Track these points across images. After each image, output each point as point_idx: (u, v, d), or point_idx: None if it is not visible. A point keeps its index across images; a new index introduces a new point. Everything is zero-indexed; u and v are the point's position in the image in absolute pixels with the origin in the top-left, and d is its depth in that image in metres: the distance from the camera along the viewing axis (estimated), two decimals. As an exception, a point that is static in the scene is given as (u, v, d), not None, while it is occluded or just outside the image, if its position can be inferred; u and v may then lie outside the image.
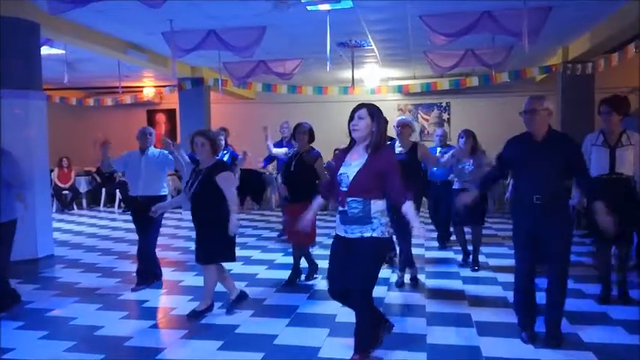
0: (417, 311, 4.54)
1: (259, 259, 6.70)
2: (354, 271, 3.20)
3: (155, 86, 13.61)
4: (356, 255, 3.20)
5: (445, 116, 13.72)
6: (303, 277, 5.57)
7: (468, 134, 6.00)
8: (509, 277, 5.23)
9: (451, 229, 6.94)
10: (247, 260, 6.52)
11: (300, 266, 5.57)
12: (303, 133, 5.36)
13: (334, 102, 12.40)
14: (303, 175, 5.25)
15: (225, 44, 7.75)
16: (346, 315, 4.40)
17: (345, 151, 3.35)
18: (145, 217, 5.10)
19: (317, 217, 5.91)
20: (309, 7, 6.85)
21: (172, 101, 13.79)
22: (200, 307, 4.48)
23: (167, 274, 5.96)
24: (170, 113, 14.88)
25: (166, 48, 8.11)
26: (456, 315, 4.42)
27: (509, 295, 4.81)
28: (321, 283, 5.46)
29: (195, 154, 4.48)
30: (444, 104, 13.72)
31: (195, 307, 4.50)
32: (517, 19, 6.66)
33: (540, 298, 3.89)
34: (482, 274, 5.77)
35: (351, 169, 3.21)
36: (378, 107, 3.30)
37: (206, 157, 4.40)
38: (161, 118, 15.26)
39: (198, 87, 11.20)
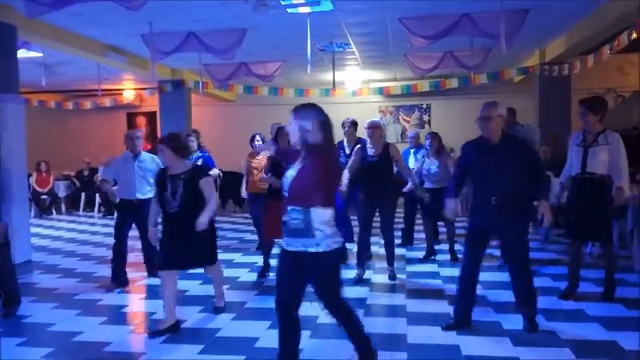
0: (397, 311, 4.57)
1: (241, 262, 6.69)
2: (319, 290, 3.06)
3: (135, 89, 13.49)
4: (310, 273, 3.00)
5: (426, 117, 13.84)
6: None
7: (433, 136, 6.52)
8: (489, 276, 5.35)
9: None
10: (229, 263, 6.49)
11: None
12: (286, 135, 5.45)
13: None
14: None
15: (206, 46, 7.72)
16: (328, 316, 4.44)
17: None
18: (142, 218, 5.36)
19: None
20: (289, 10, 6.86)
21: (153, 104, 13.69)
22: (219, 302, 4.69)
23: (147, 279, 5.93)
24: (151, 116, 14.77)
25: (146, 50, 8.05)
26: (435, 314, 4.46)
27: (490, 294, 4.92)
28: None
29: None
30: (424, 106, 13.83)
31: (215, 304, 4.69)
32: (495, 21, 6.75)
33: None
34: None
35: (290, 173, 3.01)
36: (305, 106, 3.03)
37: (171, 162, 4.23)
38: (141, 120, 15.13)
39: (178, 89, 11.12)
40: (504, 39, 6.65)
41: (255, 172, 6.80)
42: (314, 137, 2.92)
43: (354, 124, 6.35)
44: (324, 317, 4.36)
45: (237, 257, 6.93)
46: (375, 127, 5.38)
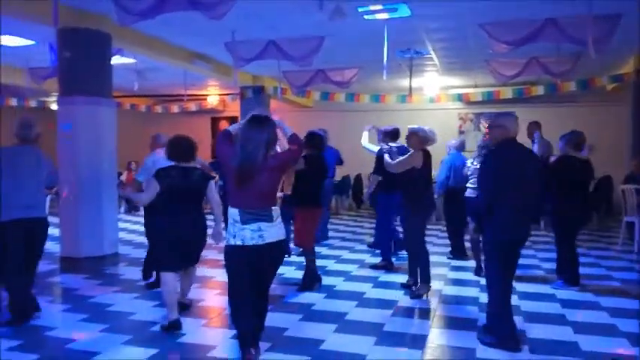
0: (467, 324, 4.44)
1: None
2: None
3: (219, 94, 14.08)
4: None
5: (508, 126, 13.31)
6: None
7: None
8: (568, 295, 5.06)
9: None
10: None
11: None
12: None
13: (391, 110, 12.35)
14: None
15: (284, 54, 7.92)
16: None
17: None
18: None
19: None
20: (366, 17, 6.90)
21: (235, 109, 14.18)
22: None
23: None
24: (233, 120, 15.29)
25: (229, 58, 8.39)
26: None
27: (568, 313, 4.65)
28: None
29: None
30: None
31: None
32: (583, 26, 6.38)
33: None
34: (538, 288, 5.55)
35: None
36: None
37: None
38: (224, 125, 15.74)
39: (259, 95, 11.48)
40: (592, 45, 6.26)
41: None
42: None
43: (386, 133, 6.40)
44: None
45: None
46: (411, 134, 5.31)
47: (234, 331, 4.18)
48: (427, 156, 5.22)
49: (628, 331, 4.22)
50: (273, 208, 3.41)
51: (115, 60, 7.90)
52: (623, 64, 10.08)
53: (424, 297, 5.19)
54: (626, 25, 6.70)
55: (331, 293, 5.39)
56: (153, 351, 3.81)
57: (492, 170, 3.92)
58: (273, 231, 3.37)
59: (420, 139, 5.25)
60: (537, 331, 4.24)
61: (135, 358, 3.73)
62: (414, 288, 5.34)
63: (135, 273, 6.28)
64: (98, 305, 4.95)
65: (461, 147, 7.31)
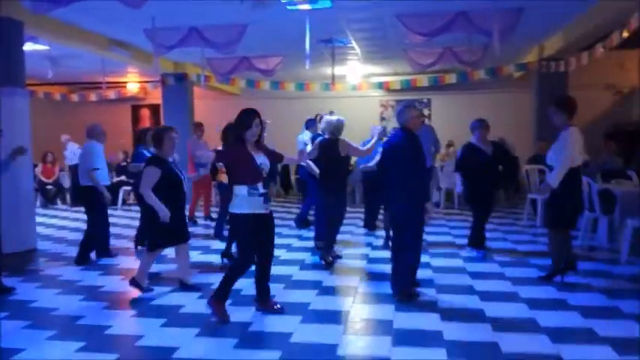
0: (386, 299, 4.73)
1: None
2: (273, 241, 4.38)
3: (140, 82, 13.68)
4: (273, 227, 4.36)
5: (426, 112, 13.95)
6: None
7: None
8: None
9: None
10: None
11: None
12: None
13: (316, 98, 12.59)
14: None
15: (207, 41, 7.88)
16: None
17: (239, 149, 4.18)
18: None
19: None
20: (288, 7, 7.01)
21: (157, 96, 13.86)
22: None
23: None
24: (154, 108, 14.97)
25: (149, 44, 8.21)
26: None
27: (476, 284, 5.06)
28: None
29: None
30: (425, 100, 13.95)
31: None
32: (490, 19, 6.87)
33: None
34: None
35: (264, 160, 4.22)
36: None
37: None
38: (145, 113, 15.35)
39: (181, 82, 11.31)
40: (498, 36, 6.77)
41: None
42: None
43: None
44: (316, 304, 4.61)
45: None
46: None
47: (162, 320, 4.28)
48: (327, 145, 5.90)
49: (527, 297, 4.69)
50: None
51: (28, 47, 7.53)
52: (527, 53, 10.86)
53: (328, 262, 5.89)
54: (529, 18, 7.27)
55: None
56: (79, 344, 3.79)
57: (383, 156, 4.78)
58: None
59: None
60: (448, 301, 4.62)
61: (61, 352, 3.71)
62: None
63: (56, 268, 6.12)
64: (20, 302, 4.82)
65: (382, 134, 7.70)
